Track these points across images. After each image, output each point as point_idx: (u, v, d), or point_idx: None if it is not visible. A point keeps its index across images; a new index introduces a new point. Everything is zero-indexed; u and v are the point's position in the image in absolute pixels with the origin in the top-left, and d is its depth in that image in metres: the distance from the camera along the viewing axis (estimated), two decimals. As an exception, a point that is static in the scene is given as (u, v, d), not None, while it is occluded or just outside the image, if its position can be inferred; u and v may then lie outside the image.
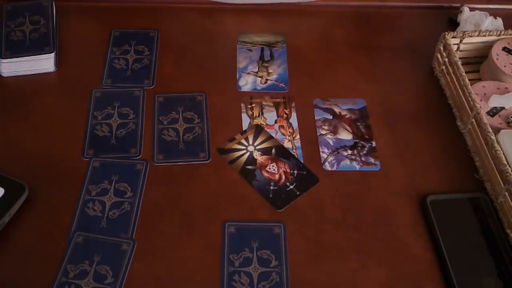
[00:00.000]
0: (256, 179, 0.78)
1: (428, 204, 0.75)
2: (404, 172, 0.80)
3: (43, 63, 0.89)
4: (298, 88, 0.89)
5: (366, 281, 0.70)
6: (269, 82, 0.90)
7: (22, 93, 0.87)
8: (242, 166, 0.79)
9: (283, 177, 0.78)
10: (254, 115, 0.85)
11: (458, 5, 1.00)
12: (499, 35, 0.90)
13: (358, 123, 0.85)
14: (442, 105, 0.88)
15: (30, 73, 0.89)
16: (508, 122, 0.81)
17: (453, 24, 0.98)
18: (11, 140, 0.81)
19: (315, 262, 0.71)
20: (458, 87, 0.85)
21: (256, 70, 0.92)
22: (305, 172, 0.79)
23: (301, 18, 1.01)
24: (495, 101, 0.83)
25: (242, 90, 0.89)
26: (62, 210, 0.74)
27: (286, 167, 0.79)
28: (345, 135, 0.84)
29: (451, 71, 0.87)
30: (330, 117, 0.86)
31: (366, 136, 0.84)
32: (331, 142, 0.83)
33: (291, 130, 0.84)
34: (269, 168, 0.79)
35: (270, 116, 0.86)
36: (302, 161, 0.80)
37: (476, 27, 0.95)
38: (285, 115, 0.86)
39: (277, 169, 0.79)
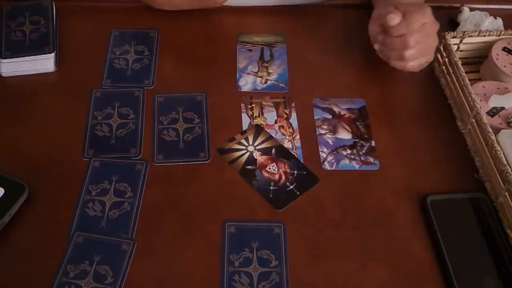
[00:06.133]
0: (256, 179, 0.78)
1: (428, 204, 0.75)
2: (404, 172, 0.80)
3: (43, 63, 0.89)
4: (298, 88, 0.89)
5: (366, 281, 0.70)
6: (269, 82, 0.90)
7: (22, 93, 0.87)
8: (242, 166, 0.79)
9: (283, 177, 0.78)
10: (254, 115, 0.85)
11: (458, 5, 1.00)
12: (499, 35, 0.90)
13: (358, 123, 0.85)
14: (442, 105, 0.88)
15: (30, 73, 0.89)
16: (508, 122, 0.81)
17: (453, 24, 0.98)
18: (11, 140, 0.81)
19: (315, 262, 0.71)
20: (458, 87, 0.85)
21: (256, 70, 0.92)
22: (305, 172, 0.79)
23: (301, 18, 1.01)
24: (495, 101, 0.83)
25: (242, 90, 0.89)
26: (62, 210, 0.74)
27: (286, 167, 0.79)
28: (345, 135, 0.84)
29: (451, 71, 0.87)
30: (330, 116, 0.86)
31: (366, 136, 0.84)
32: (330, 142, 0.83)
33: (291, 130, 0.84)
34: (269, 168, 0.79)
35: (270, 116, 0.86)
36: (302, 161, 0.80)
37: (476, 27, 0.95)
38: (285, 115, 0.86)
39: (277, 169, 0.79)
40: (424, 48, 0.82)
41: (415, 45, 0.80)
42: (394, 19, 0.80)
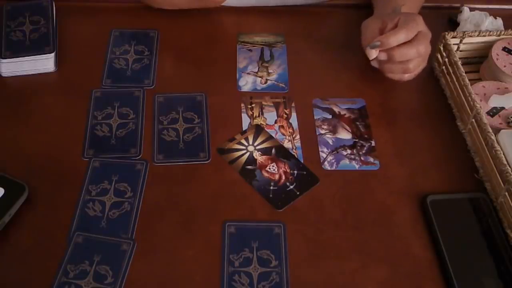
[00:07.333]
0: (256, 179, 0.78)
1: (428, 204, 0.75)
2: (404, 172, 0.80)
3: (43, 63, 0.89)
4: (298, 88, 0.89)
5: (366, 281, 0.70)
6: (269, 82, 0.90)
7: (22, 93, 0.87)
8: (242, 166, 0.79)
9: (283, 177, 0.78)
10: (254, 115, 0.85)
11: (458, 5, 1.00)
12: (499, 35, 0.90)
13: (358, 123, 0.85)
14: (442, 105, 0.88)
15: (30, 73, 0.89)
16: (508, 122, 0.81)
17: (453, 24, 0.98)
18: (11, 140, 0.81)
19: (315, 262, 0.71)
20: (458, 87, 0.85)
21: (256, 70, 0.92)
22: (305, 172, 0.79)
23: (301, 18, 1.01)
24: (495, 101, 0.83)
25: (242, 90, 0.89)
26: (62, 210, 0.74)
27: (286, 167, 0.79)
28: (345, 135, 0.84)
29: (451, 71, 0.87)
30: (330, 116, 0.86)
31: (366, 136, 0.84)
32: (330, 142, 0.83)
33: (291, 130, 0.84)
34: (269, 168, 0.79)
35: (270, 116, 0.86)
36: (302, 161, 0.80)
37: (476, 27, 0.95)
38: (285, 115, 0.86)
39: (277, 169, 0.79)
40: (424, 57, 0.84)
41: (418, 56, 0.82)
42: (372, 54, 0.83)
